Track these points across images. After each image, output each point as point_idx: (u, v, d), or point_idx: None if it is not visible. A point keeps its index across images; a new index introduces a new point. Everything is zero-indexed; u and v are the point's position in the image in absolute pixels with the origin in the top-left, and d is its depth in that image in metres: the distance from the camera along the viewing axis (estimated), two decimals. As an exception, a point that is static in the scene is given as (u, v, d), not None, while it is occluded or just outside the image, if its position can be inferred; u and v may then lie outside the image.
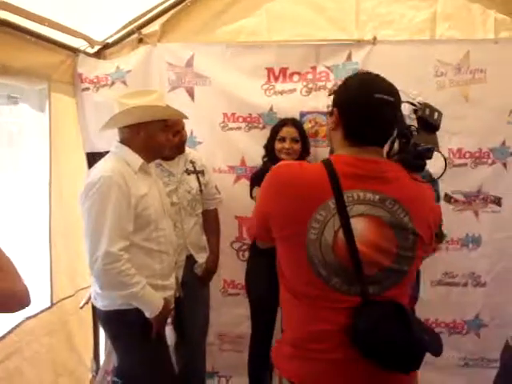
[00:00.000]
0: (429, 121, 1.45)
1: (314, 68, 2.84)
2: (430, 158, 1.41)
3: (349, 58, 2.81)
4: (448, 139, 2.81)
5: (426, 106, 1.47)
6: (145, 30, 2.95)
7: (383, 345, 1.29)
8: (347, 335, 1.31)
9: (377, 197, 1.34)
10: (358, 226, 1.32)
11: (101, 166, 2.07)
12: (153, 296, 2.07)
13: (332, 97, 1.47)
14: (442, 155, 1.44)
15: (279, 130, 2.63)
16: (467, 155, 2.85)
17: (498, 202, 2.87)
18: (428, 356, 3.04)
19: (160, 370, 2.19)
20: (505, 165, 2.84)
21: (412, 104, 1.49)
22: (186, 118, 2.30)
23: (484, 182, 2.86)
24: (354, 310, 1.32)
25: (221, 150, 2.97)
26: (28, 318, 2.44)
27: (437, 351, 1.36)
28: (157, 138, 2.12)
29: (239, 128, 2.93)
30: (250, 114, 2.90)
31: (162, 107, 2.13)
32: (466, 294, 2.97)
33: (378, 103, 1.34)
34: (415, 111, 1.47)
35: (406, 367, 1.34)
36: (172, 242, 2.24)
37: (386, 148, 1.45)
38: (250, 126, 2.90)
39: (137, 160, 2.08)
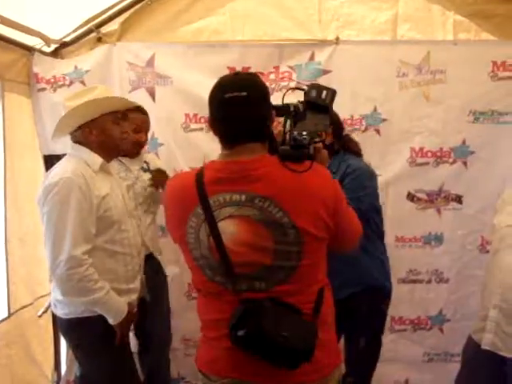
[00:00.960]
0: (316, 102, 1.43)
1: (276, 68, 2.83)
2: (307, 143, 1.38)
3: (312, 57, 2.81)
4: (410, 139, 2.86)
5: (312, 87, 1.45)
6: (104, 29, 2.88)
7: (245, 342, 1.34)
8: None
9: (243, 197, 1.36)
10: (229, 227, 1.37)
11: (59, 167, 1.99)
12: (117, 301, 2.00)
13: None
14: (321, 138, 1.42)
15: None
16: (429, 154, 2.89)
17: (459, 199, 2.92)
18: (393, 353, 3.10)
19: (125, 379, 2.13)
20: (465, 163, 2.89)
21: (299, 88, 1.48)
22: (133, 105, 2.21)
23: (445, 180, 2.91)
24: (235, 302, 1.38)
25: (182, 151, 2.91)
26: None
27: (300, 347, 1.33)
28: (110, 132, 2.03)
29: (201, 129, 2.89)
30: (211, 115, 2.86)
31: (106, 98, 2.02)
32: (429, 291, 3.02)
33: (229, 102, 1.36)
34: (304, 94, 1.46)
35: (279, 363, 1.35)
36: (137, 244, 2.17)
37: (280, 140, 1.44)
38: (211, 126, 2.85)
39: (96, 160, 2.01)
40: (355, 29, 2.88)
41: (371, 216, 2.25)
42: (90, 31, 2.86)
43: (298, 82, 1.43)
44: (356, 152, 2.37)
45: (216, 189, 1.38)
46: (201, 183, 1.39)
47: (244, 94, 1.36)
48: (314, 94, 1.44)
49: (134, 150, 2.52)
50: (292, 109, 1.46)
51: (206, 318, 1.50)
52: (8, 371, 2.55)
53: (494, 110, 2.84)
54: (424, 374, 3.06)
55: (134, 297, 2.14)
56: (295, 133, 1.38)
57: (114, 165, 2.40)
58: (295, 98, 1.51)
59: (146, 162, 2.64)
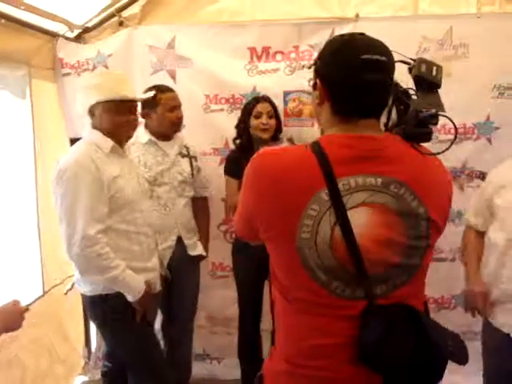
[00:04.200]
0: (427, 78, 1.23)
1: (296, 47, 2.82)
2: (435, 123, 1.21)
3: (332, 35, 2.76)
4: (432, 115, 2.82)
5: (421, 61, 1.24)
6: (125, 13, 2.92)
7: (396, 358, 1.09)
8: (352, 349, 1.11)
9: (379, 180, 1.12)
10: (360, 217, 1.11)
11: (71, 152, 2.10)
12: (134, 279, 2.06)
13: (313, 69, 1.24)
14: (449, 118, 1.22)
15: (253, 107, 2.60)
16: (452, 131, 2.85)
17: (482, 176, 2.87)
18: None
19: (148, 354, 2.20)
20: (489, 140, 2.85)
21: (405, 62, 1.26)
22: (173, 97, 2.25)
23: (469, 157, 2.87)
24: (358, 318, 1.12)
25: (204, 132, 2.95)
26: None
27: (462, 359, 1.16)
28: (110, 119, 2.08)
29: (222, 110, 2.92)
30: (233, 95, 2.89)
31: (111, 86, 2.07)
32: (453, 269, 2.98)
33: (367, 66, 1.11)
34: (410, 70, 1.25)
35: (425, 381, 1.14)
36: (151, 224, 2.23)
37: (384, 119, 1.23)
38: (233, 107, 2.88)
39: (107, 142, 2.08)
40: (375, 5, 2.84)
41: None
42: (111, 15, 2.90)
43: (400, 54, 1.22)
44: None
45: (347, 169, 1.12)
46: (326, 162, 1.11)
47: (384, 58, 1.13)
48: (424, 68, 1.23)
49: (173, 128, 2.60)
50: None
51: (306, 343, 1.17)
52: (44, 346, 2.66)
53: (519, 85, 2.77)
54: (448, 352, 3.06)
55: (151, 275, 2.20)
56: (423, 110, 1.18)
57: (151, 149, 2.52)
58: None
59: (186, 146, 2.70)
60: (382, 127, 1.23)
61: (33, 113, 2.67)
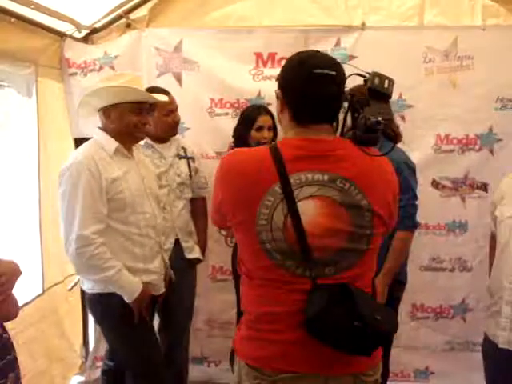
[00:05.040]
0: (380, 90, 1.40)
1: (303, 53, 2.84)
2: (380, 130, 1.37)
3: (338, 43, 2.82)
4: (435, 125, 2.85)
5: (375, 74, 1.42)
6: (133, 15, 2.93)
7: (331, 330, 1.29)
8: (301, 317, 1.30)
9: (326, 177, 1.32)
10: (308, 208, 1.30)
11: (76, 152, 2.13)
12: (130, 280, 2.07)
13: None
14: (395, 127, 1.40)
15: (255, 119, 2.60)
16: (454, 141, 2.87)
17: (484, 187, 2.89)
18: (414, 340, 3.11)
19: (147, 353, 2.21)
20: (491, 151, 2.86)
21: (361, 75, 1.44)
22: (155, 100, 2.26)
23: (471, 168, 2.89)
24: (307, 292, 1.32)
25: (208, 135, 2.97)
26: (23, 306, 2.44)
27: (390, 330, 1.36)
28: (126, 119, 2.10)
29: (227, 114, 2.93)
30: (238, 100, 2.91)
31: (129, 88, 2.09)
32: (452, 279, 3.00)
33: (318, 78, 1.31)
34: (365, 82, 1.43)
35: (360, 349, 1.32)
36: (155, 226, 2.22)
37: (340, 125, 1.42)
38: (238, 111, 2.88)
39: (112, 144, 2.10)
40: (381, 14, 2.86)
41: None
42: (119, 17, 2.92)
43: (356, 68, 1.41)
44: (394, 138, 2.38)
45: (297, 166, 1.31)
46: (280, 160, 1.31)
47: (333, 72, 1.33)
48: (377, 81, 1.40)
49: (170, 132, 2.62)
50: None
51: (263, 310, 1.38)
52: (42, 344, 2.65)
53: (523, 97, 2.79)
54: (445, 362, 3.06)
55: (154, 276, 2.20)
56: (372, 118, 1.35)
57: (148, 152, 2.52)
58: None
59: (183, 147, 2.71)
60: (339, 132, 1.42)
61: (38, 111, 2.68)
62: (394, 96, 2.63)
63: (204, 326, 3.14)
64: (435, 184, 2.89)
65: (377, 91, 1.40)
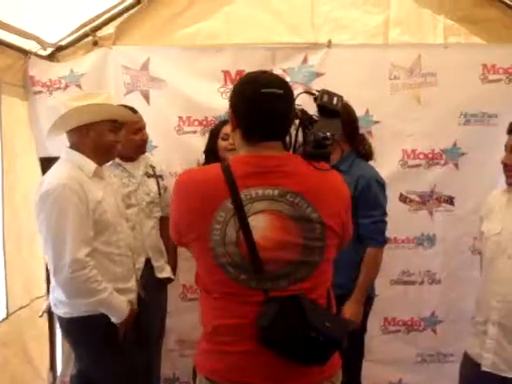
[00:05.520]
0: (328, 107, 1.45)
1: (270, 71, 2.85)
2: (329, 145, 1.41)
3: (305, 61, 2.85)
4: (402, 141, 2.91)
5: (323, 92, 1.47)
6: (100, 33, 2.90)
7: (283, 340, 1.33)
8: (253, 329, 1.34)
9: (276, 191, 1.36)
10: (259, 223, 1.34)
11: (54, 173, 2.05)
12: (120, 301, 2.07)
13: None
14: (334, 139, 1.44)
15: (220, 129, 2.61)
16: (421, 156, 2.93)
17: (450, 201, 2.96)
18: (387, 353, 3.13)
19: (125, 376, 2.16)
20: (456, 165, 2.93)
21: (310, 93, 1.50)
22: (138, 120, 2.26)
23: (437, 182, 2.95)
24: (260, 304, 1.35)
25: (176, 153, 2.95)
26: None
27: (341, 337, 1.37)
28: (105, 138, 2.09)
29: (195, 132, 2.93)
30: (206, 117, 2.91)
31: (111, 106, 2.12)
32: (422, 292, 3.04)
33: (265, 98, 1.36)
34: (315, 99, 1.48)
35: (314, 359, 1.36)
36: (130, 244, 2.23)
37: (292, 141, 1.47)
38: (206, 129, 2.88)
39: (90, 165, 2.07)
40: (347, 32, 2.91)
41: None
42: (85, 35, 2.88)
43: (306, 86, 1.46)
44: (365, 155, 2.44)
45: (247, 182, 1.36)
46: (231, 176, 1.36)
47: (281, 91, 1.38)
48: (326, 99, 1.46)
49: (138, 150, 2.60)
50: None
51: (219, 322, 1.42)
52: (6, 371, 2.56)
53: (484, 112, 2.89)
54: (417, 374, 3.09)
55: (132, 295, 2.19)
56: (320, 133, 1.40)
57: (116, 171, 2.50)
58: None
59: (152, 166, 2.69)
60: (291, 148, 1.47)
61: (2, 129, 2.61)
62: (362, 112, 2.76)
63: (176, 346, 3.09)
64: (403, 198, 2.94)
65: (326, 108, 1.45)
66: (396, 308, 3.04)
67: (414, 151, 2.92)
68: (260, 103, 1.37)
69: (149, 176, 2.66)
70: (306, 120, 1.44)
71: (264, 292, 1.35)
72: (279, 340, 1.33)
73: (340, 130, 1.47)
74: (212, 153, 2.64)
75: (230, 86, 2.86)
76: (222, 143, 2.60)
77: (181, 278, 2.95)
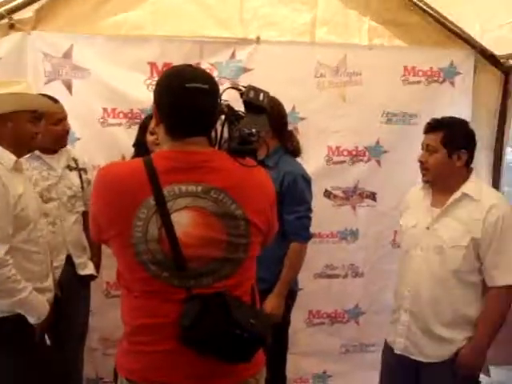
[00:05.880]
0: (255, 103, 1.45)
1: (198, 64, 2.81)
2: (254, 141, 1.41)
3: (233, 56, 2.84)
4: (327, 138, 2.97)
5: (250, 88, 1.46)
6: (17, 16, 2.72)
7: (207, 338, 1.31)
8: (175, 328, 1.31)
9: (199, 188, 1.34)
10: (182, 219, 1.32)
11: None
12: (40, 301, 2.00)
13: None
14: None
15: (148, 123, 2.55)
16: (345, 153, 3.01)
17: (373, 196, 3.07)
18: (311, 346, 3.21)
19: (38, 379, 2.07)
20: (379, 162, 3.04)
21: (236, 89, 1.49)
22: (59, 110, 2.16)
23: (360, 178, 3.04)
24: (181, 303, 1.32)
25: (100, 146, 2.85)
26: None
27: (265, 333, 1.36)
28: (25, 129, 2.00)
29: (120, 124, 2.84)
30: (132, 110, 2.83)
31: (31, 95, 2.03)
32: (346, 285, 3.14)
33: (190, 92, 1.33)
34: (241, 95, 1.47)
35: (238, 356, 1.34)
36: (48, 242, 2.15)
37: (218, 136, 1.46)
38: (131, 122, 2.82)
39: (9, 157, 1.97)
40: (276, 29, 2.92)
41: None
42: (1, 17, 2.71)
43: (233, 81, 1.43)
44: (293, 151, 2.46)
45: (170, 178, 1.33)
46: (153, 172, 1.32)
47: (206, 86, 1.35)
48: (252, 95, 1.45)
49: (59, 142, 2.49)
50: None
51: (139, 322, 1.38)
52: None
53: (405, 112, 3.01)
54: (341, 364, 3.18)
55: (49, 295, 2.10)
56: (245, 129, 1.39)
57: (36, 164, 2.39)
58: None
59: (74, 158, 2.58)
60: (217, 144, 1.45)
61: None
62: (288, 108, 2.79)
63: (99, 345, 2.99)
64: (327, 194, 3.01)
65: (252, 104, 1.45)
66: (320, 301, 3.11)
67: (338, 148, 3.00)
68: (184, 98, 1.34)
69: (71, 169, 2.56)
70: (232, 116, 1.43)
71: (187, 290, 1.33)
72: (202, 339, 1.31)
73: (266, 127, 1.47)
74: (141, 146, 2.58)
75: (157, 79, 2.81)
76: (149, 138, 2.53)
77: (104, 275, 2.86)
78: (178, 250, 1.31)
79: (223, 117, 1.44)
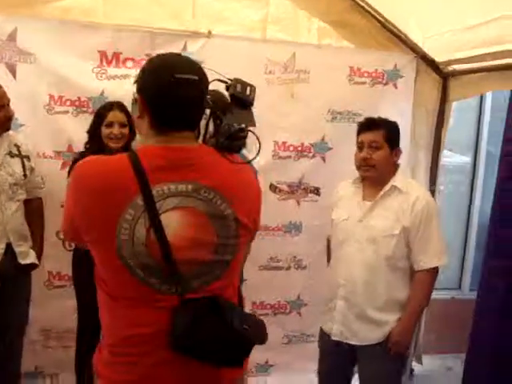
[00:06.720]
0: (241, 97, 1.37)
1: (149, 55, 2.78)
2: (244, 137, 1.38)
3: (184, 48, 2.85)
4: (274, 133, 3.04)
5: (237, 81, 1.37)
6: (-45, -6, 2.63)
7: (201, 345, 1.23)
8: (167, 337, 1.22)
9: (190, 187, 1.25)
10: (172, 220, 1.23)
11: None
12: None
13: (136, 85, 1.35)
14: (254, 133, 1.39)
15: (105, 115, 2.52)
16: (291, 148, 3.10)
17: (317, 191, 3.17)
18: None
19: None
20: (323, 158, 3.15)
21: (223, 81, 1.39)
22: (1, 94, 2.08)
23: (305, 173, 3.14)
24: (172, 310, 1.24)
25: (46, 134, 2.79)
26: None
27: (260, 339, 1.33)
28: None
29: (67, 112, 2.79)
30: (79, 98, 2.78)
31: None
32: (289, 277, 3.22)
33: (179, 83, 1.23)
34: (227, 89, 1.38)
35: (232, 361, 1.29)
36: None
37: (202, 132, 1.37)
38: (79, 110, 2.77)
39: None
40: (228, 24, 2.96)
41: None
42: None
43: (220, 74, 1.34)
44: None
45: (159, 177, 1.22)
46: (141, 170, 1.21)
47: (196, 77, 1.25)
48: (239, 88, 1.35)
49: (1, 127, 2.40)
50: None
51: (129, 333, 1.26)
52: None
53: (349, 111, 3.13)
54: (283, 354, 3.26)
55: None
56: (236, 125, 1.32)
57: None
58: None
59: (16, 145, 2.50)
60: (201, 139, 1.36)
61: None
62: None
63: (39, 337, 2.92)
64: (273, 188, 3.09)
65: (239, 98, 1.36)
66: (264, 292, 3.18)
67: (284, 143, 3.08)
68: (174, 89, 1.23)
69: (12, 156, 2.47)
70: (218, 110, 1.33)
71: (178, 296, 1.24)
72: (196, 345, 1.23)
73: (253, 122, 1.39)
74: (95, 136, 2.53)
75: (106, 68, 2.78)
76: (105, 130, 2.50)
77: (46, 265, 2.80)
78: (168, 253, 1.22)
79: (208, 111, 1.34)
